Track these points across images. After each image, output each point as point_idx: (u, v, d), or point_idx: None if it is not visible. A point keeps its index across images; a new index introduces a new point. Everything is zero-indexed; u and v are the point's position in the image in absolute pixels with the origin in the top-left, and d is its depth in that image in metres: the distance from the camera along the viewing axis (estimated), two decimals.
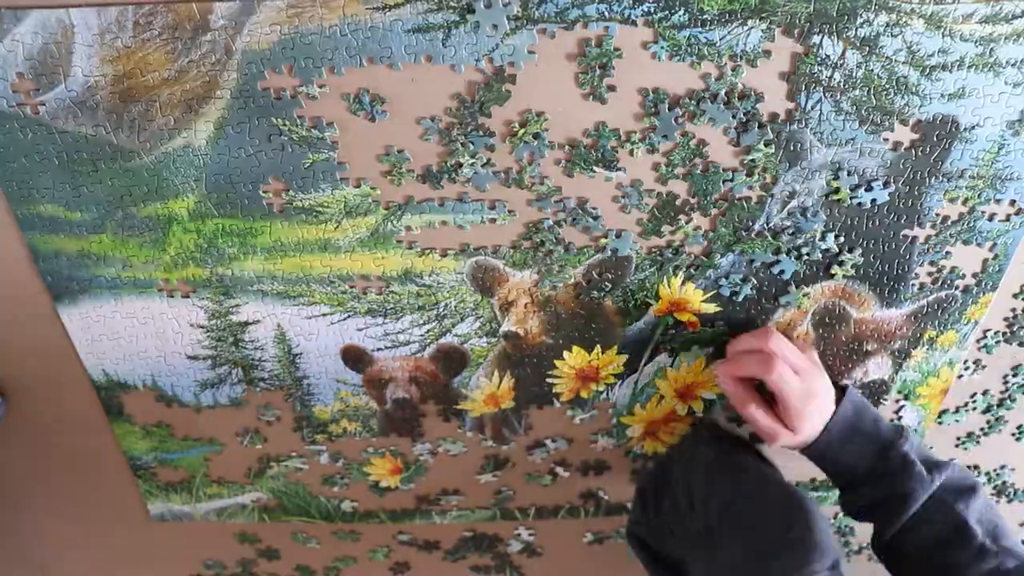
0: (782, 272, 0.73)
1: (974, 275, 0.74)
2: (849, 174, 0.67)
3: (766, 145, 0.65)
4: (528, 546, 0.99)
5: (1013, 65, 0.61)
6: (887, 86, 0.62)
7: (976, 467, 0.93)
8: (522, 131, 0.63)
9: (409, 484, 0.90)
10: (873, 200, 0.68)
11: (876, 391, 0.83)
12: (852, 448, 0.73)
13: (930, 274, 0.73)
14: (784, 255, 0.71)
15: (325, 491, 0.91)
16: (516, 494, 0.92)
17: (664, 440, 0.87)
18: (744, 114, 0.63)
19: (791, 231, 0.70)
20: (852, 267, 0.72)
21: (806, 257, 0.72)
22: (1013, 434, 0.89)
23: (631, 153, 0.65)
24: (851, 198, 0.68)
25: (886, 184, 0.67)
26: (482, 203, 0.68)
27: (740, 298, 0.74)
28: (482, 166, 0.65)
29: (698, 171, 0.66)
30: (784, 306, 0.75)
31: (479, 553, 1.00)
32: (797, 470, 0.90)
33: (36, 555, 1.00)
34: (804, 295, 0.74)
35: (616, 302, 0.74)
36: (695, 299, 0.74)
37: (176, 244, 0.69)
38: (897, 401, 0.84)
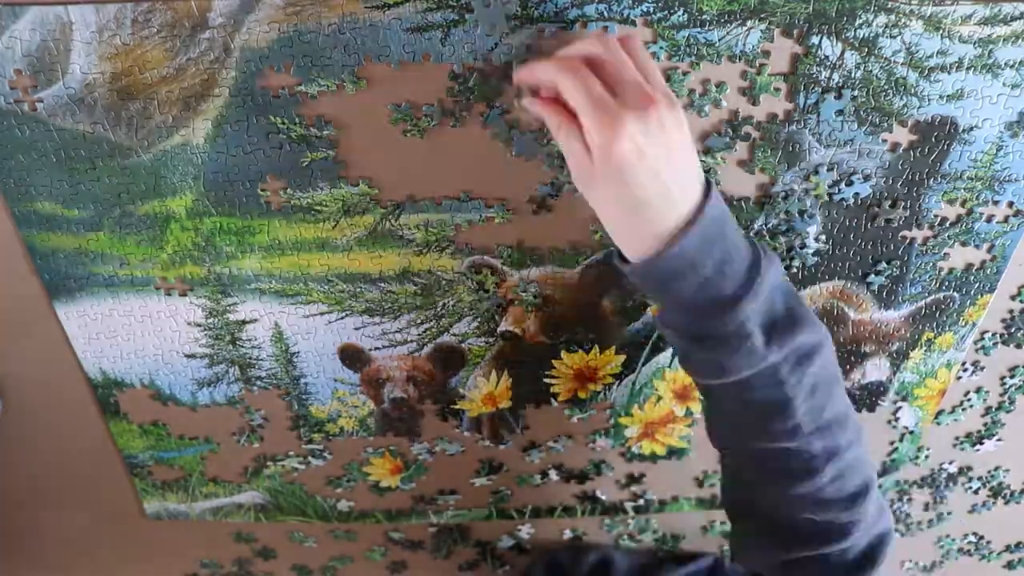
0: None
1: (972, 276, 0.74)
2: (829, 169, 0.66)
3: (755, 146, 0.65)
4: (518, 543, 0.99)
5: (1011, 67, 0.61)
6: (886, 87, 0.62)
7: (971, 468, 0.93)
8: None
9: (410, 484, 0.90)
10: (856, 194, 0.68)
11: (874, 392, 0.83)
12: (684, 284, 0.54)
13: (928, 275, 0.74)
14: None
15: (324, 491, 0.91)
16: (513, 494, 0.92)
17: (661, 441, 0.87)
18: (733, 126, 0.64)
19: (786, 230, 0.70)
20: (848, 268, 0.73)
21: (799, 259, 0.72)
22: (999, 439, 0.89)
23: None
24: (829, 194, 0.68)
25: (867, 178, 0.67)
26: (480, 202, 0.68)
27: None
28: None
29: None
30: None
31: (463, 546, 0.99)
32: None
33: (32, 553, 1.00)
34: None
35: (614, 302, 0.74)
36: None
37: (174, 242, 0.69)
38: (895, 402, 0.84)
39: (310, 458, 0.87)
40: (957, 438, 0.90)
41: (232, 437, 0.85)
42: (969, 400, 0.85)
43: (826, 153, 0.65)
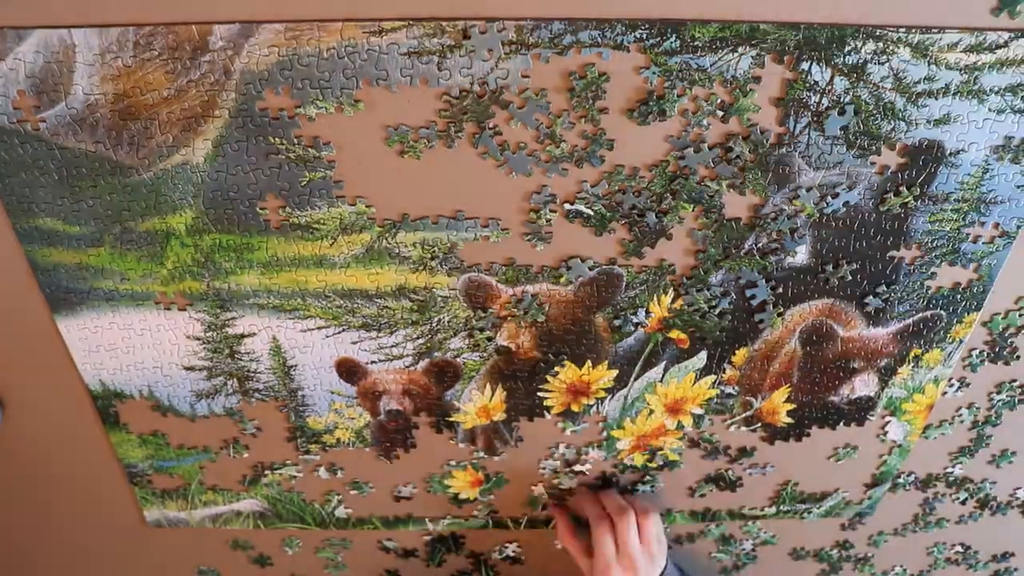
0: (753, 297, 0.74)
1: (959, 295, 0.75)
2: (808, 191, 0.67)
3: (748, 170, 0.66)
4: (511, 555, 1.00)
5: (997, 92, 0.62)
6: (874, 111, 0.63)
7: (959, 480, 0.94)
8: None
9: (488, 495, 0.91)
10: (846, 203, 0.68)
11: (863, 407, 0.84)
12: None
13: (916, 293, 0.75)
14: (762, 281, 0.73)
15: (322, 499, 0.92)
16: (508, 503, 0.93)
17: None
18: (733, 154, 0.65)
19: (776, 250, 0.71)
20: (838, 286, 0.74)
21: (785, 277, 0.73)
22: (993, 456, 0.91)
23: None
24: (819, 210, 0.69)
25: (851, 187, 0.67)
26: (476, 220, 0.69)
27: (716, 311, 0.75)
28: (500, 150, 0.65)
29: (684, 192, 0.67)
30: (760, 323, 0.76)
31: (456, 554, 1.00)
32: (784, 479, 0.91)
33: (33, 562, 1.01)
34: (779, 314, 0.75)
35: (608, 318, 0.75)
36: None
37: (174, 258, 0.70)
38: (883, 417, 0.85)
39: (310, 468, 0.88)
40: (950, 453, 0.91)
41: (230, 447, 0.85)
42: (959, 415, 0.86)
43: (815, 175, 0.67)
